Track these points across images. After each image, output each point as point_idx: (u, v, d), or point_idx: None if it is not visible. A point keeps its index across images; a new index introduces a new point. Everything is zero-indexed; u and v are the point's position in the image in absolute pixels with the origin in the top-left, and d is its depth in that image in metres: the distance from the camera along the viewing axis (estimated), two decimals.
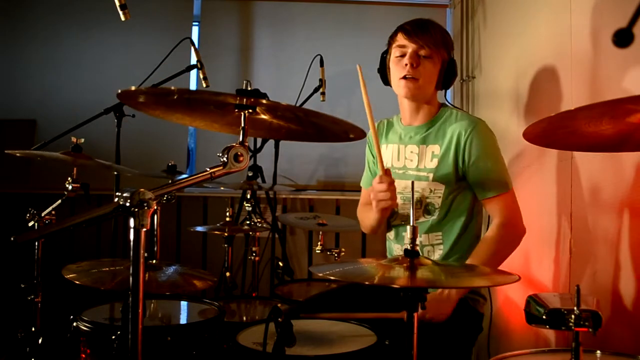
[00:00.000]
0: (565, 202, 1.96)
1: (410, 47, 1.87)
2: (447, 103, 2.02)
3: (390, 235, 2.05)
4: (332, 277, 1.20)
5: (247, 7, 3.59)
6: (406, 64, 1.85)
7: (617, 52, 1.56)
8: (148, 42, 3.40)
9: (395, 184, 1.85)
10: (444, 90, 2.00)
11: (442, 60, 1.89)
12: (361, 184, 2.21)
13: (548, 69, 2.16)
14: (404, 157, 1.98)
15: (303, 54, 3.13)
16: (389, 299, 1.73)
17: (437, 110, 1.96)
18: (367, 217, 2.00)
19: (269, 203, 3.26)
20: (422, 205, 1.91)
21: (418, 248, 1.87)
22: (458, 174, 1.87)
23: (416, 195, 1.91)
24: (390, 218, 2.02)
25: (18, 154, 1.97)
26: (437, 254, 1.91)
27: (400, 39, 1.89)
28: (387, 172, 1.79)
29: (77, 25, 3.43)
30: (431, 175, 1.89)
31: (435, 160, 1.89)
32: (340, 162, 3.45)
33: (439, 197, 1.88)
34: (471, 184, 1.87)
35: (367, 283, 1.14)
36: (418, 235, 1.88)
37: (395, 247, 2.00)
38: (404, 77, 1.86)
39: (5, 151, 1.97)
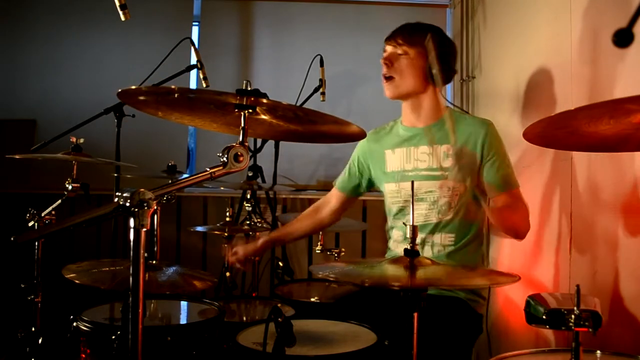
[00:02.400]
0: (565, 202, 1.96)
1: (388, 49, 1.95)
2: (451, 106, 2.03)
3: (397, 236, 2.04)
4: (331, 277, 1.20)
5: (247, 7, 3.59)
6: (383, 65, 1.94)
7: (617, 52, 1.56)
8: (148, 42, 3.40)
9: (407, 186, 1.96)
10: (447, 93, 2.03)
11: (425, 55, 1.90)
12: (334, 184, 2.25)
13: (548, 68, 2.16)
14: (414, 159, 1.97)
15: (303, 54, 3.13)
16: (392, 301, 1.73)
17: (443, 112, 1.98)
18: (299, 225, 2.23)
19: (269, 203, 3.26)
20: (437, 206, 1.91)
21: (429, 247, 1.91)
22: (473, 173, 1.88)
23: (431, 195, 1.92)
24: (401, 219, 2.02)
25: (18, 157, 1.97)
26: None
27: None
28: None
29: (77, 25, 3.44)
30: (448, 174, 1.90)
31: (451, 159, 1.90)
32: (340, 162, 3.41)
33: (457, 195, 1.89)
34: (485, 182, 1.88)
35: (366, 283, 1.14)
36: (432, 234, 1.91)
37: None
38: (383, 78, 1.94)
39: (6, 156, 1.97)
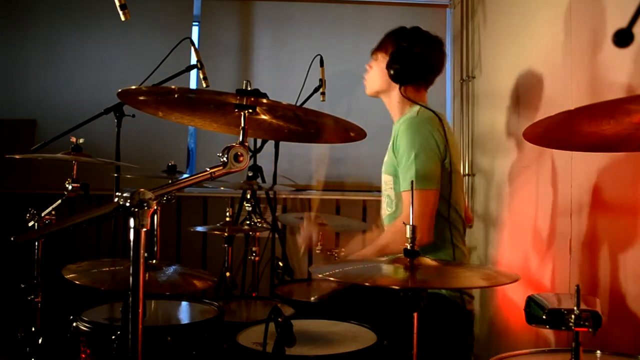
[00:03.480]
0: (565, 202, 1.96)
1: None
2: (418, 103, 2.06)
3: None
4: (331, 279, 1.20)
5: (247, 7, 3.59)
6: None
7: (617, 52, 1.56)
8: (148, 42, 3.40)
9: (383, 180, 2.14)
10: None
11: (386, 58, 2.05)
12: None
13: (548, 69, 2.16)
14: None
15: (303, 54, 3.13)
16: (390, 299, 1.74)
17: (409, 109, 2.08)
18: None
19: (269, 203, 3.26)
20: (386, 198, 2.08)
21: None
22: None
23: (384, 188, 2.09)
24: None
25: (18, 157, 1.97)
26: None
27: None
28: None
29: (77, 25, 3.43)
30: (384, 169, 2.08)
31: (386, 155, 2.08)
32: (340, 162, 3.45)
33: (392, 188, 2.02)
34: None
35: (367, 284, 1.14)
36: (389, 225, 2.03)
37: None
38: None
39: (6, 156, 1.97)
